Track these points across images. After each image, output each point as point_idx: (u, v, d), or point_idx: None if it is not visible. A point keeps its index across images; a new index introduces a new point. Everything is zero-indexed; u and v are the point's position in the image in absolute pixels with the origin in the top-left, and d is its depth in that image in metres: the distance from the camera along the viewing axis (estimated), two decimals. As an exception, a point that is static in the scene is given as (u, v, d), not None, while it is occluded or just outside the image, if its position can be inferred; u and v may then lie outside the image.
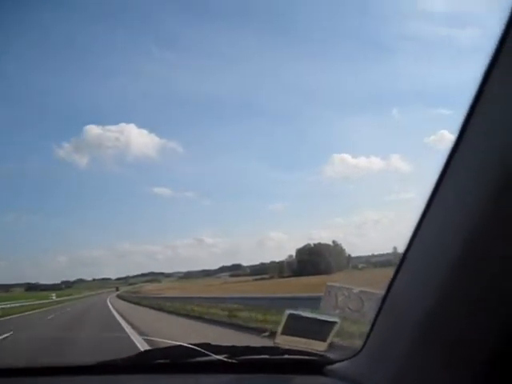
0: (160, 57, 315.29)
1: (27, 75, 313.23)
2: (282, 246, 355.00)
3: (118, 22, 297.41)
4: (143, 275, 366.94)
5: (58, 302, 74.07)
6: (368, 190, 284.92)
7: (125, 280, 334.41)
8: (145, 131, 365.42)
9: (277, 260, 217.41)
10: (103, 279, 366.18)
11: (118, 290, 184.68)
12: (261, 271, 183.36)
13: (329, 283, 2.28)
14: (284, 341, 2.08)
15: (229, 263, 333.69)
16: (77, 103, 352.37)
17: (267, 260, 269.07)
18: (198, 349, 1.85)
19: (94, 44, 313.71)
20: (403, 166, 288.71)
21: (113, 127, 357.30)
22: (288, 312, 2.18)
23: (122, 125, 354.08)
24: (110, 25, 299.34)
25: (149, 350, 2.03)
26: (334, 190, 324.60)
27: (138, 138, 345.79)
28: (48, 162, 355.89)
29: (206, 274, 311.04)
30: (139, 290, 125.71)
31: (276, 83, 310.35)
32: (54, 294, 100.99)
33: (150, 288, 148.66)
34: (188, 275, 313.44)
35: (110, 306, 44.20)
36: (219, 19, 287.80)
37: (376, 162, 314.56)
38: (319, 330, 2.09)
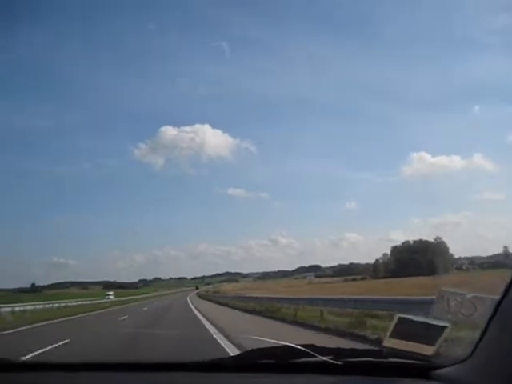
0: (234, 59, 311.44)
1: (104, 80, 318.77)
2: (356, 246, 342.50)
3: (190, 26, 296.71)
4: (219, 275, 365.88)
5: (123, 302, 68.44)
6: (448, 189, 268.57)
7: (201, 279, 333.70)
8: (219, 131, 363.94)
9: (355, 261, 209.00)
10: (179, 278, 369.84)
11: (197, 288, 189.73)
12: (343, 272, 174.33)
13: (442, 288, 2.46)
14: (392, 344, 2.09)
15: (304, 264, 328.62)
16: (153, 105, 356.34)
17: (344, 261, 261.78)
18: (304, 349, 1.86)
19: (169, 49, 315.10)
20: (486, 165, 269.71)
21: (188, 128, 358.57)
22: (398, 315, 2.22)
23: (197, 125, 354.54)
24: (183, 30, 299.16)
25: (255, 350, 1.89)
26: (412, 189, 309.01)
27: (212, 138, 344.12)
28: (125, 163, 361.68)
29: (283, 274, 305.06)
30: (219, 290, 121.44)
31: (352, 83, 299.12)
32: (111, 293, 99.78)
33: (228, 288, 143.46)
34: (265, 276, 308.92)
35: (192, 307, 39.39)
36: (292, 21, 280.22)
37: (456, 161, 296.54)
38: (428, 334, 2.08)
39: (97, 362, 2.25)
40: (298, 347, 1.89)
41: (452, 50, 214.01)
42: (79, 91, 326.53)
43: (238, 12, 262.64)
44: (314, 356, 1.87)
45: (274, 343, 2.05)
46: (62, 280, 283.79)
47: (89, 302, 60.51)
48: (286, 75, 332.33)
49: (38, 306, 42.48)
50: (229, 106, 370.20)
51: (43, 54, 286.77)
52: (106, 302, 60.88)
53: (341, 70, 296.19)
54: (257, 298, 36.70)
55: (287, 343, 2.04)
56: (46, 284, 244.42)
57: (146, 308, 41.04)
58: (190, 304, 44.81)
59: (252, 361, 1.92)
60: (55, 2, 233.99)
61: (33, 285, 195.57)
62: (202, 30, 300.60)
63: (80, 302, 58.41)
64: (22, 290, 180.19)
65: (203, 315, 25.12)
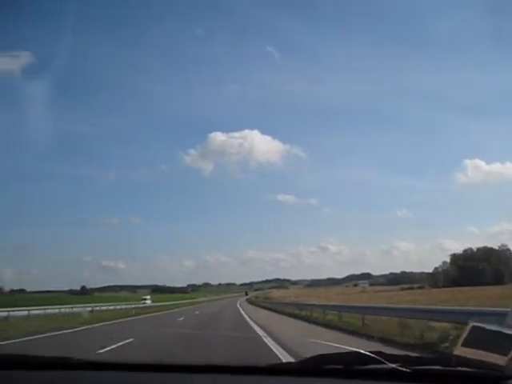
0: (284, 65, 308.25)
1: (154, 88, 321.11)
2: (408, 255, 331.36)
3: (239, 32, 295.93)
4: (268, 281, 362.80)
5: (163, 308, 64.78)
6: (503, 197, 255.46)
7: (249, 285, 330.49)
8: (268, 137, 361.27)
9: (407, 270, 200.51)
10: (228, 284, 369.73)
11: (246, 294, 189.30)
12: (395, 281, 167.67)
13: None
14: (463, 352, 2.06)
15: (354, 272, 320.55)
16: (202, 112, 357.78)
17: (395, 270, 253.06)
18: (372, 355, 1.86)
19: (218, 54, 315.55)
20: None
21: (236, 134, 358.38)
22: (472, 324, 2.20)
23: (246, 131, 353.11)
24: (232, 35, 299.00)
25: (320, 355, 1.90)
26: (466, 197, 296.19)
27: (261, 144, 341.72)
28: (176, 169, 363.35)
29: (333, 282, 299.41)
30: (269, 296, 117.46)
31: (405, 91, 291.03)
32: (148, 297, 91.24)
33: (278, 294, 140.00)
34: (314, 283, 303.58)
35: (244, 315, 35.25)
36: (345, 29, 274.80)
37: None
38: (502, 343, 2.03)
39: (156, 363, 2.25)
40: (367, 353, 1.87)
41: (504, 54, 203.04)
42: (131, 99, 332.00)
43: (288, 17, 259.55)
44: (383, 363, 1.85)
45: (341, 349, 2.02)
46: (112, 283, 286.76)
47: (118, 307, 53.50)
48: (338, 82, 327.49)
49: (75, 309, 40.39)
50: (279, 112, 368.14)
51: (100, 63, 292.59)
52: (132, 309, 50.11)
53: (393, 78, 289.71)
54: (311, 305, 34.26)
55: (355, 349, 2.03)
56: (96, 287, 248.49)
57: (197, 312, 36.96)
58: (242, 312, 40.48)
59: (318, 366, 1.89)
60: (105, 11, 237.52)
61: (83, 287, 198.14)
62: (251, 36, 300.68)
63: (111, 307, 52.98)
64: (72, 292, 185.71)
65: (261, 327, 20.76)
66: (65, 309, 39.60)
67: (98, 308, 46.62)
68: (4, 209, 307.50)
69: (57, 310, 37.82)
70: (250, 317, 30.06)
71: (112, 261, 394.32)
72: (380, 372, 1.86)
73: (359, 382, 1.84)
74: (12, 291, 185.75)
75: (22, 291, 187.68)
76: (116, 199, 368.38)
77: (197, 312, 44.03)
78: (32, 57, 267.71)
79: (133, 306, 55.76)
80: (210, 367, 2.08)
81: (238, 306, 61.35)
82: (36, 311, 34.26)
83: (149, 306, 64.73)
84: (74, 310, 39.24)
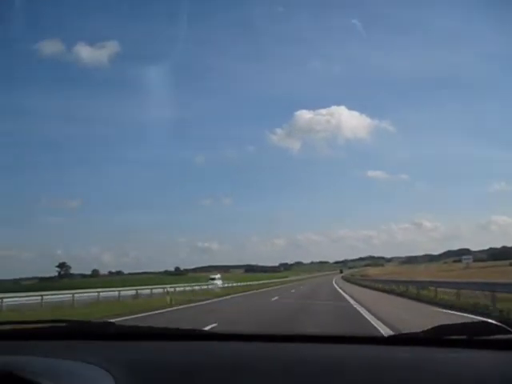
0: (368, 37, 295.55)
1: (240, 69, 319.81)
2: (507, 230, 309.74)
3: (320, 6, 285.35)
4: (361, 259, 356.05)
5: (263, 285, 60.97)
6: None
7: (343, 263, 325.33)
8: (356, 112, 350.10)
9: (507, 245, 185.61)
10: (321, 262, 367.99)
11: (341, 272, 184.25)
12: (496, 256, 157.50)
13: None
14: None
15: (450, 247, 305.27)
16: (288, 90, 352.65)
17: (494, 245, 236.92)
18: (500, 325, 1.78)
19: (299, 30, 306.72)
20: None
21: (323, 110, 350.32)
22: None
23: (333, 107, 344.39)
24: (313, 11, 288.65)
25: (446, 325, 1.85)
26: None
27: (348, 120, 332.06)
28: (264, 149, 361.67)
29: (430, 258, 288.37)
30: (366, 273, 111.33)
31: (493, 58, 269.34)
32: (217, 276, 75.54)
33: (375, 271, 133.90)
34: (410, 260, 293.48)
35: (346, 296, 30.68)
36: None
37: None
38: None
39: (272, 333, 2.21)
40: (493, 322, 1.80)
41: None
42: (218, 82, 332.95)
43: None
44: (510, 332, 1.74)
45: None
46: (205, 264, 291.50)
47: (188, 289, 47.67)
48: (424, 53, 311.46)
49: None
50: (365, 86, 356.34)
51: (193, 49, 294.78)
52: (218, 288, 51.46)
53: (479, 46, 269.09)
54: (419, 282, 31.12)
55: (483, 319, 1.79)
56: (190, 267, 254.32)
57: (276, 298, 29.32)
58: (342, 291, 36.18)
59: (441, 336, 1.84)
60: None
61: (177, 268, 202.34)
62: (333, 9, 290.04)
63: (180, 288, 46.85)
64: (167, 273, 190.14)
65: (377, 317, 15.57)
66: (159, 289, 40.97)
67: (181, 288, 45.76)
68: (103, 194, 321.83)
69: (153, 291, 39.35)
70: (355, 299, 25.00)
71: (206, 242, 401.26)
72: (508, 342, 1.74)
73: (485, 352, 1.72)
74: (110, 273, 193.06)
75: (119, 273, 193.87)
76: (208, 181, 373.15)
77: (292, 290, 41.13)
78: (119, 46, 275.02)
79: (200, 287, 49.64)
80: (329, 337, 2.04)
81: (335, 284, 56.80)
82: (129, 292, 35.83)
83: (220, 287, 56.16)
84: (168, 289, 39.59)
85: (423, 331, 1.85)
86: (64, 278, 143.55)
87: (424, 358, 1.65)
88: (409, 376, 1.47)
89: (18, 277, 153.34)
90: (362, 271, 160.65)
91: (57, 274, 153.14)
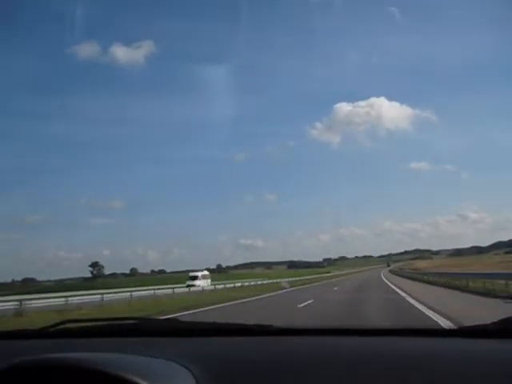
0: (405, 25, 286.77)
1: (277, 63, 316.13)
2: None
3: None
4: (407, 252, 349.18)
5: (305, 281, 57.12)
6: None
7: (387, 257, 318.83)
8: (396, 103, 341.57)
9: None
10: (365, 256, 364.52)
11: (388, 265, 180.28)
12: None
13: None
14: None
15: (500, 239, 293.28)
16: (326, 83, 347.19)
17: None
18: None
19: (335, 22, 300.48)
20: None
21: (362, 102, 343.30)
22: None
23: (372, 99, 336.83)
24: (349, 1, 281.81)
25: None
26: None
27: (389, 111, 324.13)
28: (303, 144, 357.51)
29: (478, 250, 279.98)
30: (416, 267, 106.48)
31: None
32: (199, 274, 57.87)
33: (423, 264, 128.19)
34: (458, 252, 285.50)
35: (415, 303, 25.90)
36: None
37: None
38: None
39: (329, 327, 2.12)
40: None
41: None
42: (256, 77, 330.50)
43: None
44: None
45: None
46: (248, 261, 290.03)
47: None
48: (463, 38, 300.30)
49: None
50: (404, 75, 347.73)
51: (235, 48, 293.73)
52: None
53: None
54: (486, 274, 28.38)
55: None
56: (233, 264, 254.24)
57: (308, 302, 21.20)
58: (403, 294, 28.74)
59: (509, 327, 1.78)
60: None
61: (218, 265, 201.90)
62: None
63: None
64: (208, 270, 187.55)
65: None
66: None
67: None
68: (145, 194, 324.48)
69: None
70: (425, 303, 20.76)
71: (249, 239, 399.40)
72: None
73: None
74: (152, 272, 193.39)
75: (161, 272, 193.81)
76: (250, 178, 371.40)
77: (335, 288, 36.51)
78: (154, 46, 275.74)
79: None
80: (395, 330, 1.97)
81: (385, 279, 52.22)
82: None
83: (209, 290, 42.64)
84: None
85: (492, 323, 1.78)
86: (98, 278, 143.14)
87: (493, 350, 1.58)
88: (478, 369, 1.41)
89: (65, 277, 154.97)
90: (410, 264, 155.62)
91: (90, 273, 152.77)
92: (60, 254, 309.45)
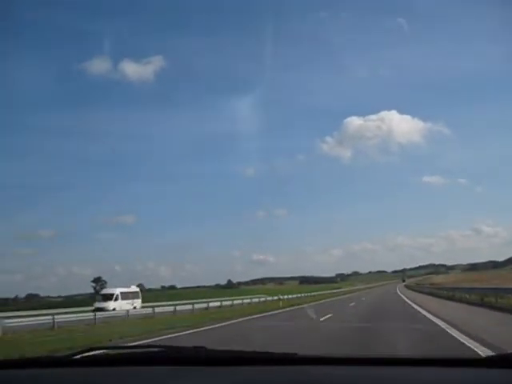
0: (413, 36, 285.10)
1: (286, 77, 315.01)
2: None
3: (363, 8, 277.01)
4: (421, 267, 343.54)
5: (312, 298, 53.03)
6: None
7: (401, 272, 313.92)
8: (407, 116, 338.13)
9: None
10: (379, 272, 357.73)
11: (404, 281, 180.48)
12: None
13: None
14: None
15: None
16: (335, 97, 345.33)
17: None
18: None
19: (343, 35, 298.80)
20: None
21: (373, 116, 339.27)
22: None
23: (383, 112, 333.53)
24: (356, 13, 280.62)
25: None
26: None
27: (400, 124, 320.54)
28: (314, 158, 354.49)
29: (494, 265, 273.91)
30: (433, 282, 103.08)
31: None
32: (118, 291, 43.29)
33: (439, 280, 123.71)
34: (473, 267, 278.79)
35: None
36: None
37: None
38: None
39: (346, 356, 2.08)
40: None
41: None
42: (266, 91, 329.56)
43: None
44: None
45: None
46: (260, 276, 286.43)
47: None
48: (476, 48, 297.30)
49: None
50: (415, 88, 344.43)
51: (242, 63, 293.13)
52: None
53: None
54: None
55: None
56: (244, 280, 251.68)
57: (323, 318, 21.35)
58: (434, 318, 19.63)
59: None
60: None
61: (229, 281, 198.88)
62: (375, 10, 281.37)
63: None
64: (219, 286, 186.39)
65: None
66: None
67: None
68: (155, 209, 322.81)
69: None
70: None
71: (260, 254, 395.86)
72: None
73: None
74: (162, 288, 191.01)
75: (172, 287, 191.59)
76: (259, 192, 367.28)
77: (352, 304, 32.84)
78: (163, 61, 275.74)
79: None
80: (427, 360, 1.90)
81: (403, 296, 48.69)
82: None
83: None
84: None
85: None
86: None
87: None
88: None
89: (76, 292, 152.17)
90: (426, 279, 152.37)
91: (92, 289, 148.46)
92: (70, 269, 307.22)
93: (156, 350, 2.17)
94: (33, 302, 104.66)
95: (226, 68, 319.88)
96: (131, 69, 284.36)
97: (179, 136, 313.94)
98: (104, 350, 2.25)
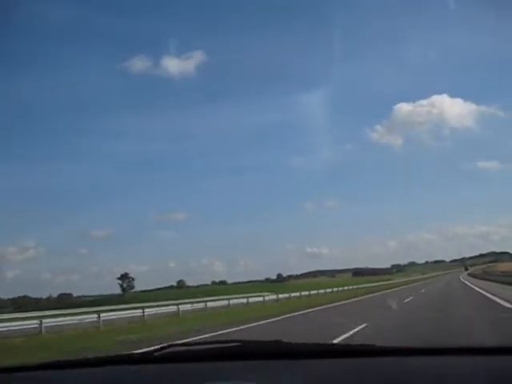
0: (460, 14, 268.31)
1: (334, 68, 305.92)
2: None
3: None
4: (482, 255, 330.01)
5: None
6: None
7: (460, 261, 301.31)
8: (459, 100, 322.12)
9: None
10: (436, 261, 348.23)
11: (467, 269, 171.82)
12: None
13: None
14: None
15: None
16: (384, 84, 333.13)
17: None
18: None
19: (398, 17, 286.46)
20: None
21: (424, 101, 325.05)
22: None
23: (434, 97, 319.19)
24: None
25: None
26: None
27: (452, 109, 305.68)
28: (363, 148, 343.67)
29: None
30: (503, 270, 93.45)
31: None
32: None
33: (506, 268, 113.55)
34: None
35: None
36: None
37: None
38: None
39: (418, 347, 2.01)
40: None
41: None
42: (315, 82, 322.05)
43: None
44: None
45: None
46: (314, 269, 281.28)
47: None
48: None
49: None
50: (466, 70, 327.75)
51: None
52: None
53: None
54: None
55: None
56: (296, 273, 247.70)
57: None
58: None
59: None
60: None
61: (279, 275, 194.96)
62: None
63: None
64: (268, 281, 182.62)
65: None
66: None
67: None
68: (207, 206, 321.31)
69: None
70: None
71: (312, 247, 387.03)
72: None
73: None
74: (213, 283, 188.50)
75: (222, 283, 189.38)
76: (310, 184, 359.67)
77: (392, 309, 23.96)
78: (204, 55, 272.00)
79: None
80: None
81: (479, 289, 38.77)
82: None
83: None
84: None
85: None
86: (128, 292, 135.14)
87: None
88: None
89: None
90: (492, 267, 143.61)
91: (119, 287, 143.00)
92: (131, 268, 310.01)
93: (233, 344, 2.14)
94: (66, 302, 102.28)
95: (272, 60, 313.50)
96: (173, 66, 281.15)
97: (223, 130, 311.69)
98: (183, 347, 2.30)
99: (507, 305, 18.59)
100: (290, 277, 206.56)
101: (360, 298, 38.09)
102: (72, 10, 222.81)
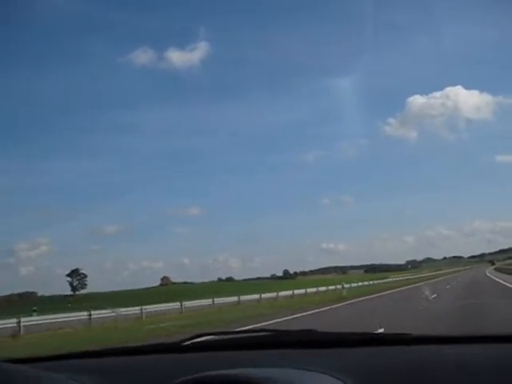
0: (478, 6, 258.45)
1: (347, 62, 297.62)
2: None
3: None
4: (502, 251, 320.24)
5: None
6: None
7: (479, 257, 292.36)
8: (475, 91, 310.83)
9: None
10: (454, 257, 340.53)
11: (493, 264, 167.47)
12: None
13: None
14: None
15: None
16: (396, 75, 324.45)
17: None
18: None
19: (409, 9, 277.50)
20: None
21: (437, 93, 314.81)
22: None
23: (448, 89, 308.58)
24: None
25: None
26: None
27: (467, 100, 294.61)
28: (377, 142, 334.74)
29: None
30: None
31: None
32: None
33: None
34: None
35: None
36: None
37: None
38: None
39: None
40: None
41: None
42: (327, 74, 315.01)
43: None
44: None
45: None
46: (325, 265, 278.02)
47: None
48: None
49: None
50: (481, 60, 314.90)
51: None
52: None
53: None
54: None
55: None
56: (307, 270, 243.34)
57: None
58: None
59: None
60: None
61: (285, 271, 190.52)
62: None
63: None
64: (274, 277, 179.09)
65: None
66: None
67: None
68: (220, 202, 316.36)
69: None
70: None
71: (325, 242, 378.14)
72: None
73: None
74: (219, 280, 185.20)
75: (229, 279, 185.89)
76: (322, 179, 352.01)
77: None
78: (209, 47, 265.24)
79: None
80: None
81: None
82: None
83: None
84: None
85: None
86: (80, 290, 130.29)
87: None
88: None
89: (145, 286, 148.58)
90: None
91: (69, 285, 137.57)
92: (140, 264, 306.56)
93: (264, 334, 2.15)
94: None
95: (277, 51, 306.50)
96: (177, 59, 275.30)
97: (236, 127, 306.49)
98: (213, 336, 2.30)
99: None
100: (296, 273, 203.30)
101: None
102: (80, 2, 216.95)
